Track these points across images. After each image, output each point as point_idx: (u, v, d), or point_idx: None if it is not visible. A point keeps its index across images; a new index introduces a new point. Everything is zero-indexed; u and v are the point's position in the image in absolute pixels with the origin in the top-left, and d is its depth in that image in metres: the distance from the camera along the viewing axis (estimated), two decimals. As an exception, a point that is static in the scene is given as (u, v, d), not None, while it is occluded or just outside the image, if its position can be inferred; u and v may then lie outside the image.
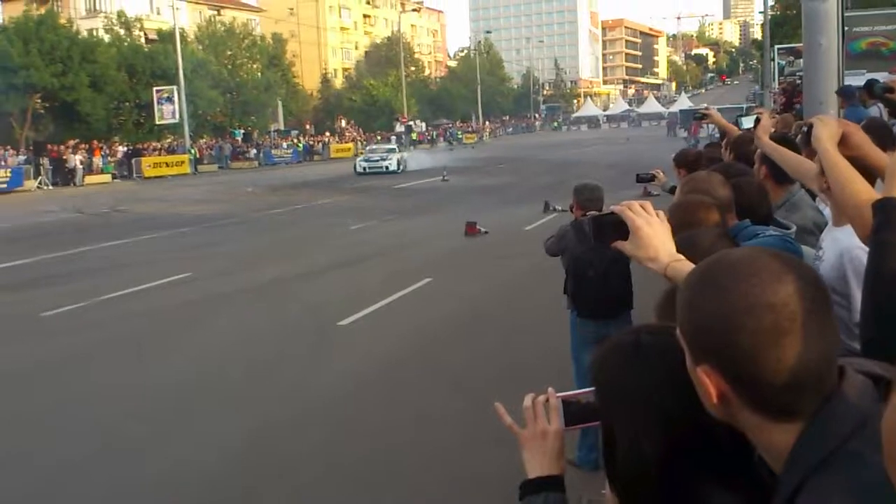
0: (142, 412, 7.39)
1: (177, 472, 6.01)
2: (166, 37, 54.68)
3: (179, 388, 8.07)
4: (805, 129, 2.55)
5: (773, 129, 5.31)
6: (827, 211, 3.21)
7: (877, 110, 7.92)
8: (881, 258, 1.88)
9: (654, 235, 1.81)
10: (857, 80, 10.97)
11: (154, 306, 11.83)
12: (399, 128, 73.61)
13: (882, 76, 13.35)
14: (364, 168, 40.62)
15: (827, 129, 2.36)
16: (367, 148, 48.39)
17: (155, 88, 50.48)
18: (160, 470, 6.07)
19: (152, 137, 52.43)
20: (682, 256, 1.81)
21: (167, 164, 46.91)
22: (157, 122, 51.08)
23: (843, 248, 2.76)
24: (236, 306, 11.77)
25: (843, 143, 2.35)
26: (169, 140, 53.27)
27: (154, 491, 5.74)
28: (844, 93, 8.42)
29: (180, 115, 49.59)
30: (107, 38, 53.97)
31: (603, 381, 1.43)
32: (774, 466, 1.15)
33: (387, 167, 40.41)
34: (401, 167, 41.13)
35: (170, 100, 50.13)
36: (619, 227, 1.84)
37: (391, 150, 43.47)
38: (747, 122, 4.30)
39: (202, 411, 7.37)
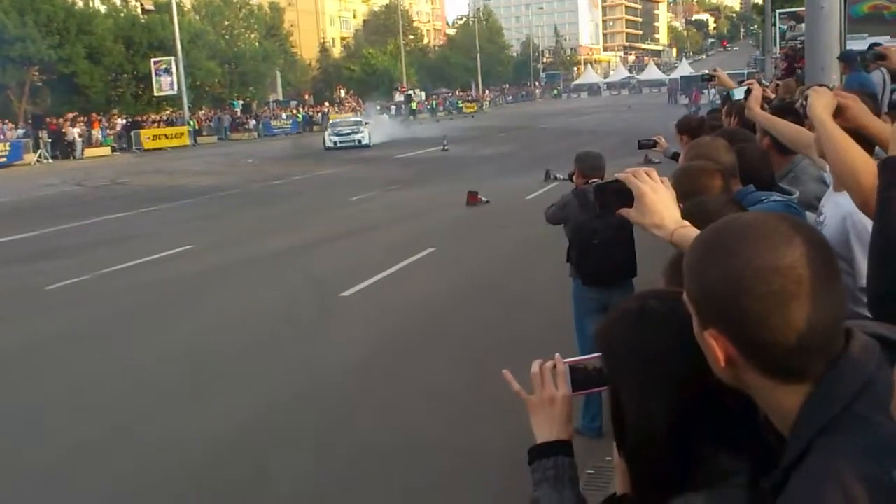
0: (144, 388, 7.43)
1: (175, 451, 6.03)
2: (163, 7, 54.34)
3: (181, 364, 8.09)
4: (804, 100, 2.56)
5: (772, 97, 5.28)
6: (830, 179, 3.20)
7: (879, 75, 7.86)
8: (889, 216, 1.88)
9: (659, 202, 1.81)
10: (859, 44, 10.90)
11: (156, 279, 11.86)
12: (398, 97, 73.22)
13: (884, 40, 13.24)
14: (335, 142, 38.30)
15: (821, 99, 2.38)
16: (331, 122, 44.11)
17: (153, 60, 50.35)
18: (163, 447, 6.10)
19: (151, 109, 52.37)
20: (687, 223, 1.81)
21: (166, 136, 46.85)
22: (156, 94, 50.99)
23: (845, 213, 2.74)
24: (238, 278, 11.80)
25: (841, 114, 2.34)
26: (168, 112, 53.11)
27: (152, 469, 5.76)
28: (846, 58, 8.37)
29: (179, 87, 49.44)
30: (103, 8, 53.58)
31: (610, 348, 1.44)
32: (782, 429, 1.16)
33: (359, 140, 38.35)
34: (371, 140, 39.36)
35: (168, 71, 49.95)
36: (624, 195, 1.84)
37: (358, 123, 41.03)
38: (738, 94, 4.29)
39: (205, 386, 7.40)
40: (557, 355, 1.67)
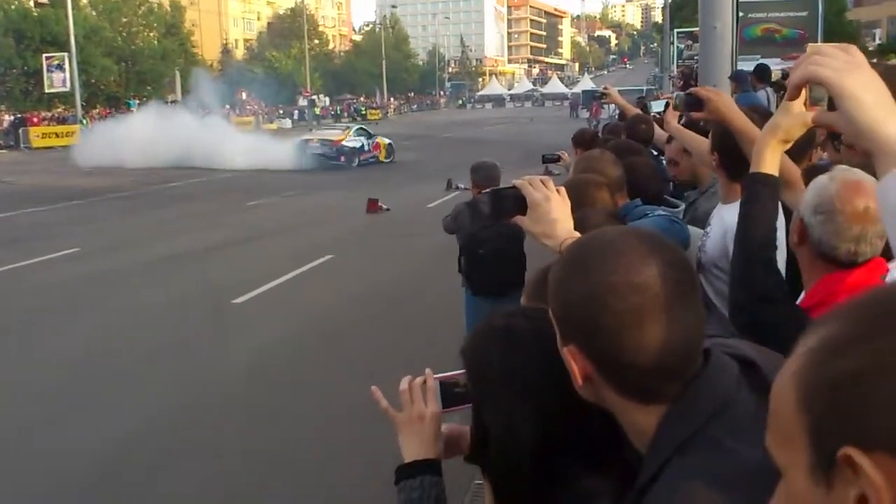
0: (27, 397, 7.04)
1: (66, 462, 5.74)
2: (57, 1, 52.32)
3: (67, 372, 7.70)
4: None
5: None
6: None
7: (764, 94, 8.20)
8: (746, 229, 2.02)
9: (552, 211, 1.77)
10: (751, 65, 11.33)
11: (40, 283, 11.31)
12: (302, 102, 72.42)
13: (774, 62, 13.84)
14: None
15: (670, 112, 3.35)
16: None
17: (44, 55, 48.45)
18: (47, 458, 5.79)
19: (41, 106, 50.49)
20: (577, 234, 1.80)
21: (57, 135, 44.90)
22: (47, 91, 49.04)
23: (727, 226, 2.86)
24: (127, 283, 11.36)
25: (705, 107, 2.54)
26: (59, 109, 51.13)
27: (42, 481, 5.47)
28: (737, 77, 8.69)
29: (71, 84, 47.54)
30: (-8, 0, 51.33)
31: (475, 365, 1.39)
32: (640, 449, 1.14)
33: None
34: None
35: (60, 67, 48.07)
36: (519, 202, 1.80)
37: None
38: (657, 106, 4.40)
39: (93, 396, 7.04)
40: (428, 370, 1.61)
